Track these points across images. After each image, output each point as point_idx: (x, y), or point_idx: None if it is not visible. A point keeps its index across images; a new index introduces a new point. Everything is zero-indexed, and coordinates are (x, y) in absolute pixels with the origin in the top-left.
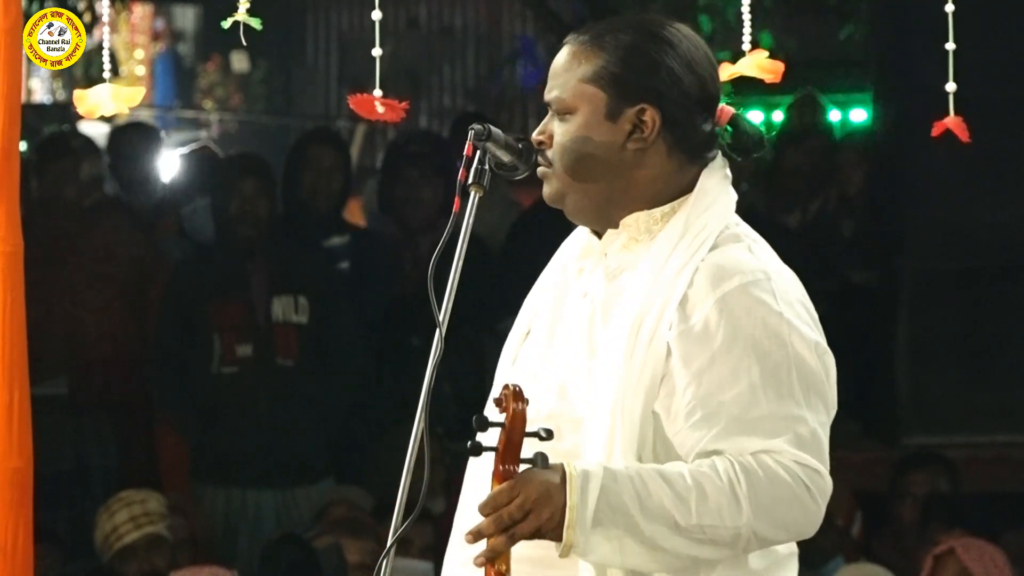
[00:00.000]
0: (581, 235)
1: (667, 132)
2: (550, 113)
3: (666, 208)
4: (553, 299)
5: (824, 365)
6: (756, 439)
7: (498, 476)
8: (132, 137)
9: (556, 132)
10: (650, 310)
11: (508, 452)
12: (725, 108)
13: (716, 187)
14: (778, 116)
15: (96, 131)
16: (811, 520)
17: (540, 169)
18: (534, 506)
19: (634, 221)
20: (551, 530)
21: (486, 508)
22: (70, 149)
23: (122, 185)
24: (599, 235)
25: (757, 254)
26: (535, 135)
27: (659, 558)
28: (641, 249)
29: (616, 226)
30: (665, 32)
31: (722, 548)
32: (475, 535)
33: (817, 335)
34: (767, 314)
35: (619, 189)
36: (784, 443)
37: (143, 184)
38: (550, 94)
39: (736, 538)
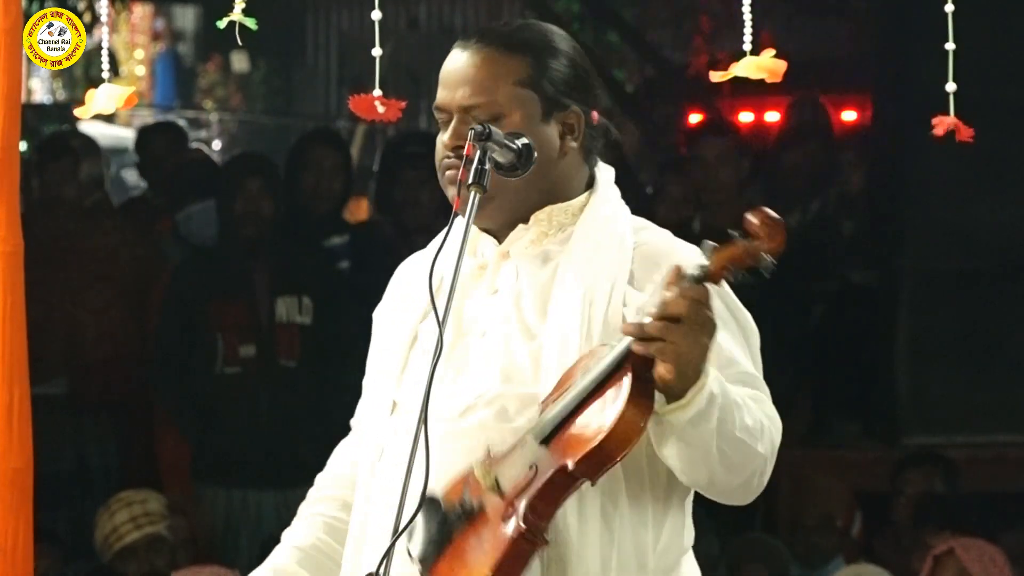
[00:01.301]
0: (452, 241)
1: (584, 131)
2: (459, 118)
3: (574, 203)
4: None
5: (753, 328)
6: (738, 387)
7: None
8: (159, 137)
9: None
10: (597, 289)
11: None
12: (592, 111)
13: (612, 183)
14: (773, 116)
15: (96, 131)
16: (766, 479)
17: (452, 173)
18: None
19: (547, 216)
20: (693, 361)
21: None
22: (70, 149)
23: (150, 184)
24: (493, 234)
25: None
26: (451, 140)
27: (698, 464)
28: (551, 242)
29: (526, 221)
30: (568, 37)
31: (740, 473)
32: (661, 311)
33: None
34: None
35: (543, 188)
36: (764, 395)
37: (170, 184)
38: (470, 99)
39: (755, 469)
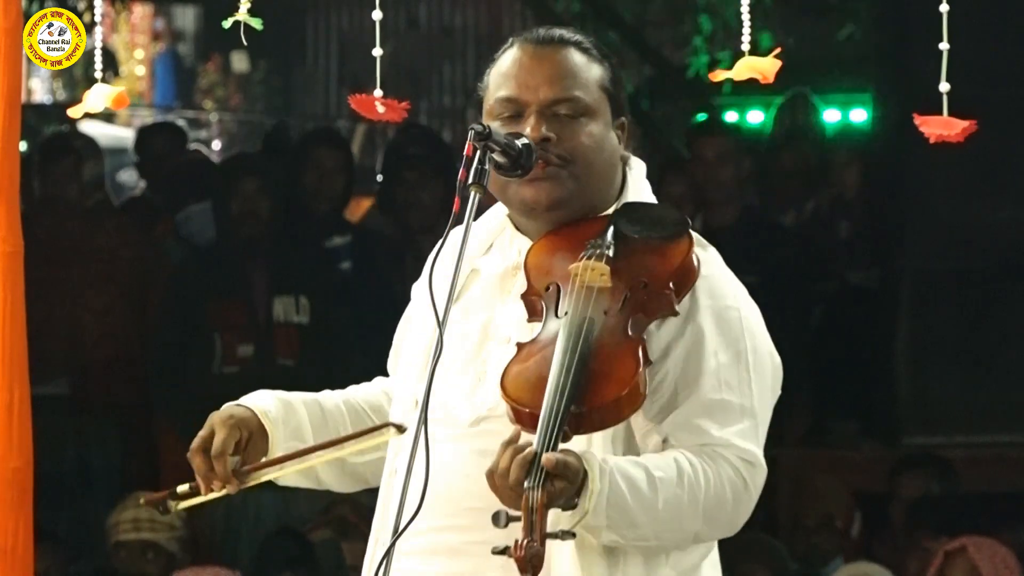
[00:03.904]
0: (480, 237)
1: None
2: (541, 113)
3: (610, 210)
4: (478, 302)
5: (774, 364)
6: (715, 424)
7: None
8: (159, 137)
9: (573, 133)
10: None
11: None
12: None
13: (644, 178)
14: (771, 116)
15: (97, 131)
16: (743, 518)
17: (550, 168)
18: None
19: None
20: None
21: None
22: (70, 149)
23: (150, 185)
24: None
25: (706, 247)
26: (540, 132)
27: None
28: None
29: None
30: None
31: (674, 547)
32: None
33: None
34: (731, 304)
35: (605, 194)
36: (745, 432)
37: (170, 184)
38: (566, 92)
39: (694, 539)
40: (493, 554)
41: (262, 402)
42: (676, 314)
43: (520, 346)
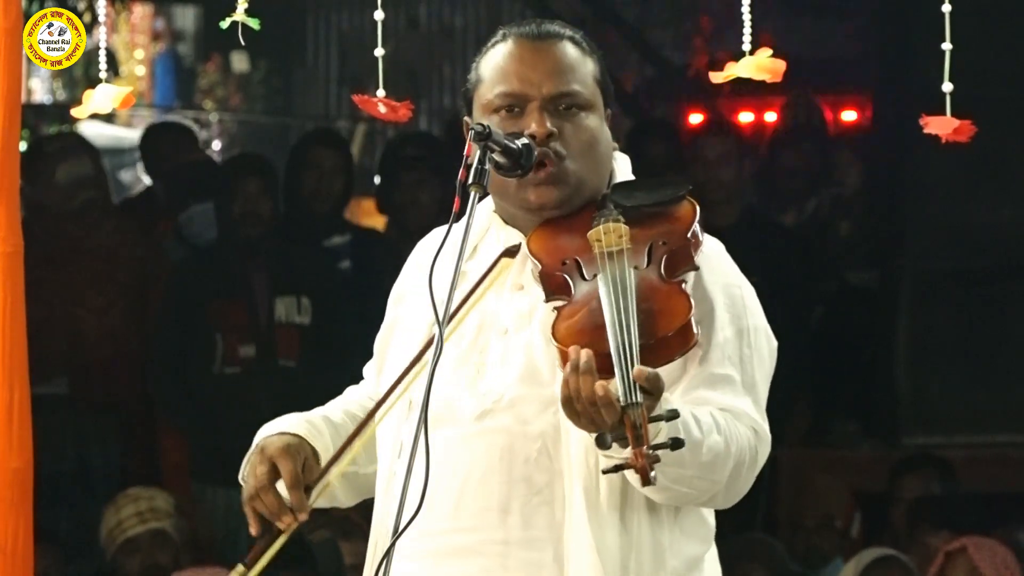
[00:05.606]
0: (473, 233)
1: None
2: (542, 107)
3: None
4: (468, 296)
5: (771, 345)
6: (721, 395)
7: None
8: (166, 136)
9: (575, 127)
10: None
11: None
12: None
13: (629, 173)
14: (772, 116)
15: (96, 131)
16: (746, 489)
17: (554, 168)
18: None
19: None
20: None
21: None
22: (70, 149)
23: (156, 184)
24: (520, 228)
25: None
26: (546, 127)
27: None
28: None
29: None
30: None
31: (693, 500)
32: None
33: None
34: (734, 282)
35: (600, 185)
36: (749, 406)
37: (173, 184)
38: (567, 86)
39: (711, 497)
40: (604, 474)
41: (297, 427)
42: (696, 268)
43: (558, 309)
